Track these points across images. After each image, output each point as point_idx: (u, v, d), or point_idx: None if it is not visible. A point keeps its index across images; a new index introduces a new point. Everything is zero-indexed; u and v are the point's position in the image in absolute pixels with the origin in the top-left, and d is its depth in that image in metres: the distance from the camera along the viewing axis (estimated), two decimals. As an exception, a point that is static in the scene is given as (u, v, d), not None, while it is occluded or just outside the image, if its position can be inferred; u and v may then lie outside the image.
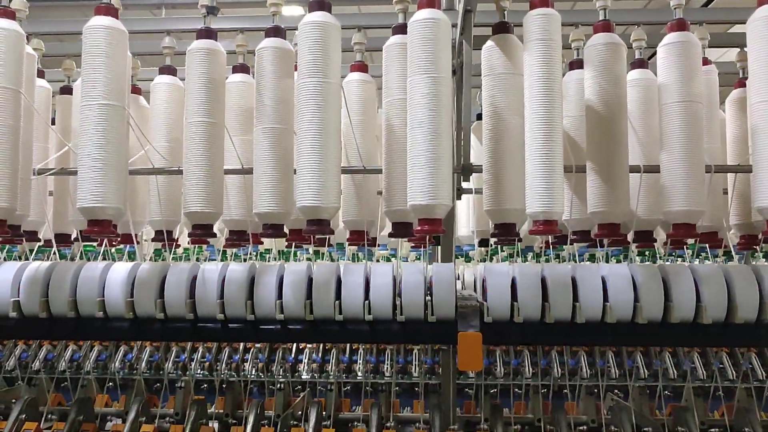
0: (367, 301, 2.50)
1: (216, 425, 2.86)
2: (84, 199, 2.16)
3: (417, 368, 4.82)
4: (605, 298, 2.45)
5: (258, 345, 4.87)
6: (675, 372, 4.25)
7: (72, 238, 2.99)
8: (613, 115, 2.34)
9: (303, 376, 4.46)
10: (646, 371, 4.21)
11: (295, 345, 4.80)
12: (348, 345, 4.95)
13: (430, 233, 2.16)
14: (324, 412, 2.86)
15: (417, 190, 2.11)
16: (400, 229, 2.39)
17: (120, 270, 2.61)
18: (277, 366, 4.36)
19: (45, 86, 2.83)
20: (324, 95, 2.18)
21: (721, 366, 4.25)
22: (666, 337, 2.51)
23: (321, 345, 4.97)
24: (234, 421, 2.92)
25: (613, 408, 2.81)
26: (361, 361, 5.04)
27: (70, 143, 2.63)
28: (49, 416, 2.93)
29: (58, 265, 2.61)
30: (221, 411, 2.90)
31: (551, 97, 2.13)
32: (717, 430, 2.75)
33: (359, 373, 4.52)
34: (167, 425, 2.78)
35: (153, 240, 2.80)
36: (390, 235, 2.45)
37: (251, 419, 2.67)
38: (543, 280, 2.49)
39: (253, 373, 4.43)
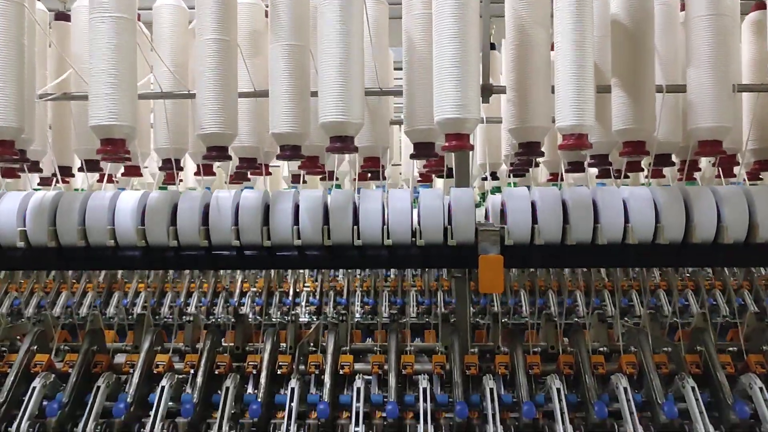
0: (385, 226, 2.47)
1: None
2: (98, 117, 2.07)
3: (414, 309, 4.84)
4: (626, 220, 2.44)
5: (254, 288, 4.85)
6: (669, 308, 4.30)
7: (74, 170, 2.91)
8: (641, 29, 2.30)
9: (301, 319, 4.44)
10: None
11: (292, 289, 4.79)
12: (346, 287, 4.93)
13: (458, 149, 2.12)
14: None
15: (445, 104, 2.06)
16: (422, 149, 2.34)
17: (129, 198, 2.54)
18: (274, 309, 4.33)
19: (42, 9, 2.70)
20: (347, 8, 2.09)
21: (714, 303, 4.32)
22: (687, 258, 2.51)
23: (319, 287, 4.95)
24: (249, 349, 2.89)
25: (629, 331, 2.82)
26: (358, 303, 5.04)
27: (71, 70, 2.52)
28: (61, 348, 2.88)
29: (64, 194, 2.53)
30: (232, 344, 2.88)
31: (582, 6, 2.07)
32: (734, 349, 2.79)
33: (357, 315, 4.51)
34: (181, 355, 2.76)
35: (160, 169, 2.73)
36: (412, 156, 2.40)
37: (268, 346, 2.65)
38: (563, 203, 2.47)
39: (251, 316, 4.41)
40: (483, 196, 4.34)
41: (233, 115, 2.32)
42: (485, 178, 3.50)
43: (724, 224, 2.42)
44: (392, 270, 5.57)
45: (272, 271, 5.14)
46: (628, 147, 2.34)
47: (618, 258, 2.52)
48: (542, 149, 2.40)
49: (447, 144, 2.13)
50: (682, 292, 4.42)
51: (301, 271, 6.11)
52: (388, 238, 2.46)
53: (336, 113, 2.09)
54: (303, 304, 4.60)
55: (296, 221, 2.48)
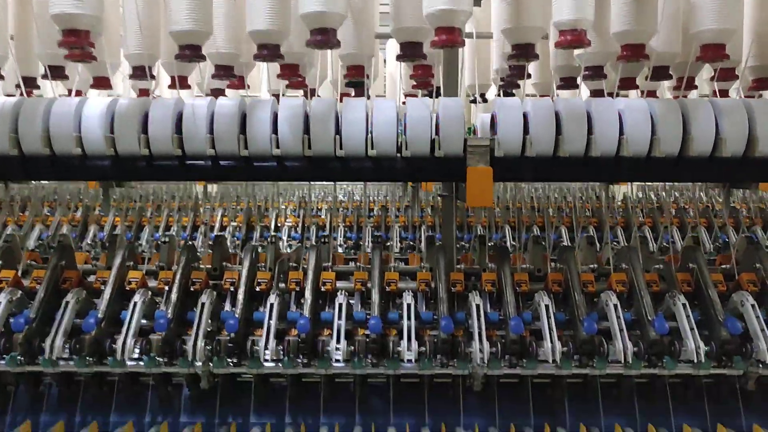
0: (369, 135, 2.35)
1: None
2: (60, 4, 1.91)
3: (397, 244, 4.77)
4: (621, 132, 2.34)
5: (234, 223, 4.73)
6: (654, 245, 4.25)
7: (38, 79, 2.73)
8: None
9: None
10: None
11: (273, 223, 4.68)
12: (328, 222, 4.84)
13: (449, 44, 1.98)
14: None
15: (435, -5, 1.92)
16: (409, 49, 2.20)
17: (97, 105, 2.39)
18: (255, 242, 4.22)
19: None
20: None
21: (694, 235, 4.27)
22: (683, 172, 2.42)
23: (301, 222, 4.85)
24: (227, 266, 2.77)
25: (620, 251, 2.75)
26: (341, 238, 4.96)
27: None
28: (29, 266, 2.75)
29: (27, 100, 2.38)
30: (209, 266, 2.76)
31: None
32: (727, 266, 2.73)
33: (339, 248, 4.41)
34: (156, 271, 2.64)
35: (131, 77, 2.56)
36: (398, 58, 2.26)
37: (247, 262, 2.54)
38: (556, 115, 2.36)
39: (231, 250, 4.30)
40: (469, 131, 4.23)
41: (208, 12, 2.16)
42: (474, 101, 3.37)
43: (722, 137, 2.33)
44: (375, 208, 5.50)
45: (253, 205, 5.03)
46: (627, 51, 2.21)
47: (611, 172, 2.44)
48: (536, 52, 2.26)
49: (437, 39, 1.99)
50: (667, 229, 4.38)
51: (283, 206, 6.03)
52: (372, 148, 2.34)
53: (317, 3, 1.94)
54: (285, 238, 4.51)
55: (275, 130, 2.35)
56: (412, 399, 2.53)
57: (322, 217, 5.14)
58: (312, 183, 6.46)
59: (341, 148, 2.34)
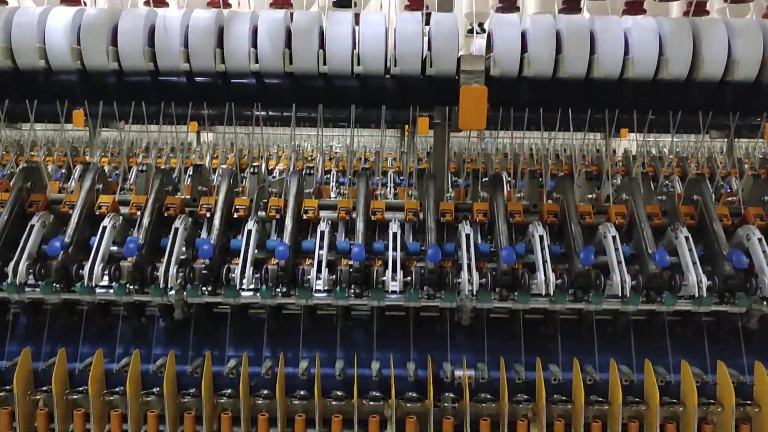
0: (355, 51, 2.19)
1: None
2: None
3: (392, 190, 4.66)
4: (626, 52, 2.19)
5: (224, 165, 4.58)
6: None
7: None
8: None
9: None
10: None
11: (264, 166, 4.52)
12: (320, 165, 4.69)
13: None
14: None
15: None
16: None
17: (62, 14, 2.23)
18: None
19: None
20: None
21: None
22: (691, 98, 2.26)
23: (292, 166, 4.70)
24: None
25: (620, 183, 2.60)
26: (333, 182, 4.84)
27: None
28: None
29: (-16, 8, 2.20)
30: (188, 196, 2.61)
31: None
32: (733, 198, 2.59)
33: (332, 195, 4.28)
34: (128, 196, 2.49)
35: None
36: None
37: (224, 187, 2.39)
38: (557, 33, 2.20)
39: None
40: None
41: None
42: (471, 30, 3.20)
43: (734, 59, 2.17)
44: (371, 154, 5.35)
45: (246, 152, 4.88)
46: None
47: (614, 96, 2.28)
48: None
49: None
50: (669, 177, 4.24)
51: (274, 149, 5.87)
52: (359, 65, 2.18)
53: None
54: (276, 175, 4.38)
55: (255, 45, 2.19)
56: (397, 333, 2.41)
57: (315, 161, 5.01)
58: (303, 130, 6.37)
59: (324, 64, 2.18)
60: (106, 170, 3.22)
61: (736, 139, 5.35)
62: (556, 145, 5.24)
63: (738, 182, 4.26)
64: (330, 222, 2.35)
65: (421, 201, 2.44)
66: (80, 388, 2.29)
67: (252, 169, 2.79)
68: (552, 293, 2.16)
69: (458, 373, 2.32)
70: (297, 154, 4.84)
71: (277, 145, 6.43)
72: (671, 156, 5.18)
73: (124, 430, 2.25)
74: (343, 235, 2.45)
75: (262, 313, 2.41)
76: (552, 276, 2.16)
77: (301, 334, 2.39)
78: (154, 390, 2.29)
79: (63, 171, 4.27)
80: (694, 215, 2.42)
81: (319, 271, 2.20)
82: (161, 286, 2.16)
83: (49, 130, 5.47)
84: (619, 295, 2.17)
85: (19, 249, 2.21)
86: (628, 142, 7.46)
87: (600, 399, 2.30)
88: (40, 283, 2.21)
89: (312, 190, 2.56)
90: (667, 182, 3.97)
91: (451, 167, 5.19)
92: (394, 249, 2.23)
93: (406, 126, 6.01)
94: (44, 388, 2.29)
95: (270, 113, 5.42)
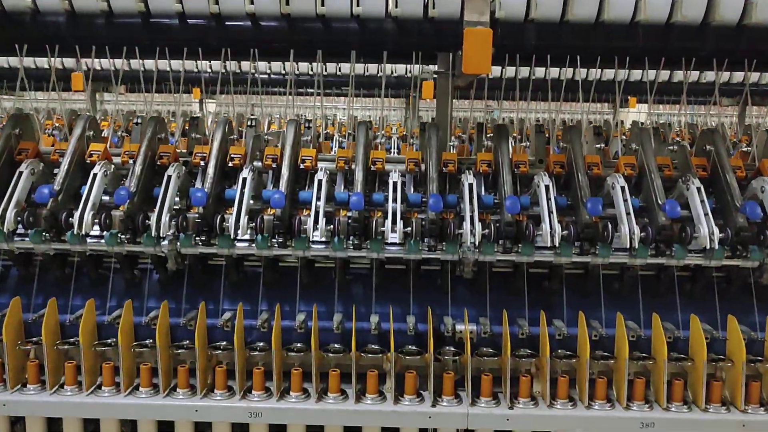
0: (355, -9, 2.10)
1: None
2: None
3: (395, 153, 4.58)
4: (640, -8, 2.10)
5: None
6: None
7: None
8: None
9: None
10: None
11: (265, 128, 4.44)
12: (323, 127, 4.62)
13: None
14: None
15: None
16: None
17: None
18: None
19: None
20: None
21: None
22: (705, 42, 2.16)
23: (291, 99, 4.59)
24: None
25: (629, 137, 2.51)
26: (335, 148, 4.78)
27: None
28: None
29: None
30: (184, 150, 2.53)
31: None
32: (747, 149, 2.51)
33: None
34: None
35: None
36: None
37: (218, 135, 2.31)
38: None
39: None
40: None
41: None
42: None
43: (752, 0, 2.08)
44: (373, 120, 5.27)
45: (244, 107, 4.79)
46: None
47: (625, 41, 2.18)
48: None
49: None
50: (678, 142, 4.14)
51: (276, 114, 5.80)
52: (358, 5, 2.09)
53: None
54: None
55: (250, -17, 2.11)
56: (397, 288, 2.35)
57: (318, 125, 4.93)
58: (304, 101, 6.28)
59: (323, 5, 2.10)
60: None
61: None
62: (563, 118, 5.16)
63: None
64: (328, 173, 2.27)
65: (423, 151, 2.36)
66: (71, 339, 2.24)
67: (249, 122, 2.71)
68: (558, 245, 2.09)
69: (459, 327, 2.26)
70: (298, 117, 4.75)
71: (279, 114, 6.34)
72: (681, 124, 5.09)
73: (117, 383, 2.19)
74: (342, 187, 2.38)
75: (258, 266, 2.35)
76: (558, 227, 2.09)
77: (298, 287, 2.33)
78: (147, 342, 2.23)
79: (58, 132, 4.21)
80: (707, 167, 2.33)
81: (316, 221, 2.12)
82: (153, 235, 2.10)
83: (53, 100, 5.40)
84: (627, 247, 2.09)
85: (6, 196, 2.15)
86: (637, 115, 7.35)
87: (606, 354, 2.24)
88: (29, 232, 2.15)
89: (310, 139, 2.48)
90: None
91: (455, 132, 5.11)
92: (395, 199, 2.16)
93: (410, 96, 5.94)
94: (34, 339, 2.24)
95: (271, 76, 5.36)
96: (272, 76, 5.21)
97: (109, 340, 2.23)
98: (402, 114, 6.45)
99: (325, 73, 5.03)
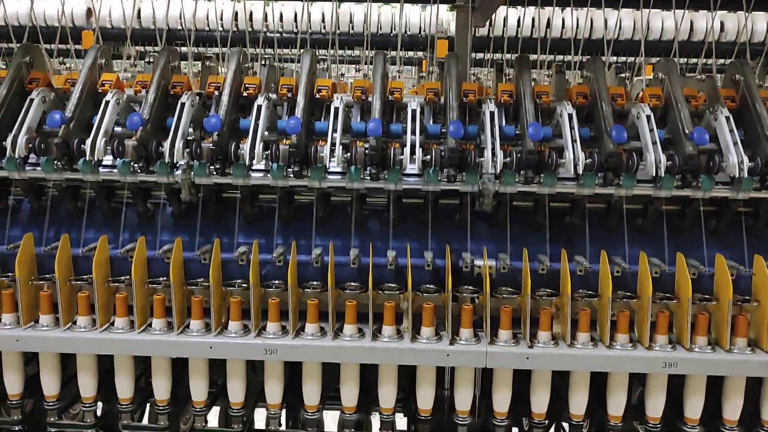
0: None
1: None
2: None
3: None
4: None
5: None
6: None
7: None
8: None
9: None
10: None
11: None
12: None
13: None
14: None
15: None
16: None
17: None
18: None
19: None
20: None
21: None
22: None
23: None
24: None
25: (654, 67, 2.43)
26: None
27: None
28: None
29: None
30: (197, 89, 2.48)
31: None
32: None
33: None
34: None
35: None
36: None
37: (233, 65, 2.26)
38: None
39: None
40: None
41: None
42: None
43: None
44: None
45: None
46: None
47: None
48: None
49: None
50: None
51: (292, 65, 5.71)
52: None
53: None
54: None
55: None
56: (415, 223, 2.31)
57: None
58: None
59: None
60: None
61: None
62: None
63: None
64: (345, 102, 2.22)
65: (443, 81, 2.30)
66: (84, 276, 2.21)
67: (263, 62, 2.66)
68: (581, 172, 2.03)
69: (478, 262, 2.21)
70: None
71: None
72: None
73: (131, 321, 2.17)
74: (359, 118, 2.33)
75: (273, 200, 2.30)
76: (582, 155, 2.03)
77: (314, 221, 2.28)
78: (161, 279, 2.19)
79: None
80: (735, 98, 2.26)
81: (332, 150, 2.07)
82: (167, 162, 2.06)
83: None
84: (653, 175, 2.03)
85: (17, 123, 2.11)
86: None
87: (628, 294, 2.19)
88: (41, 160, 2.11)
89: (325, 67, 2.42)
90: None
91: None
92: (413, 129, 2.11)
93: (424, 62, 5.86)
94: (47, 276, 2.20)
95: (283, 34, 5.29)
96: (284, 34, 5.13)
97: (123, 278, 2.19)
98: (415, 76, 6.35)
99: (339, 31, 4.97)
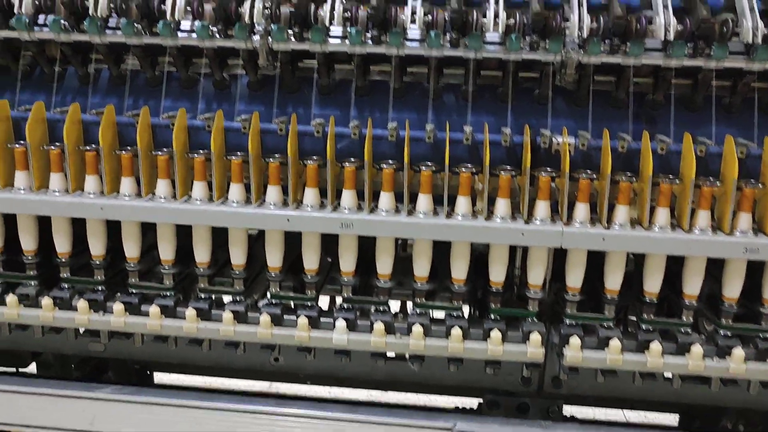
0: None
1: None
2: None
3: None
4: None
5: None
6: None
7: None
8: None
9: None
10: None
11: None
12: None
13: None
14: None
15: None
16: None
17: None
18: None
19: None
20: None
21: None
22: None
23: None
24: None
25: None
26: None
27: None
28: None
29: None
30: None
31: None
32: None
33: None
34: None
35: None
36: None
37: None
38: None
39: None
40: None
41: None
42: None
43: None
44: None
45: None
46: None
47: None
48: None
49: None
50: None
51: None
52: None
53: None
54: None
55: None
56: (491, 98, 2.27)
57: None
58: None
59: None
60: None
61: None
62: None
63: None
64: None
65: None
66: (164, 149, 2.23)
67: None
68: (672, 39, 1.96)
69: (557, 139, 2.17)
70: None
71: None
72: None
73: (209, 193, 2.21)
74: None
75: (350, 71, 2.28)
76: (673, 19, 1.95)
77: (391, 94, 2.27)
78: (238, 153, 2.21)
79: None
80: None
81: (413, 13, 2.04)
82: (247, 23, 2.06)
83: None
84: (749, 42, 1.94)
85: (96, -16, 2.12)
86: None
87: (710, 179, 2.12)
88: (120, 21, 2.14)
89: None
90: None
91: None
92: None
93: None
94: (128, 148, 2.23)
95: None
96: None
97: (202, 151, 2.21)
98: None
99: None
